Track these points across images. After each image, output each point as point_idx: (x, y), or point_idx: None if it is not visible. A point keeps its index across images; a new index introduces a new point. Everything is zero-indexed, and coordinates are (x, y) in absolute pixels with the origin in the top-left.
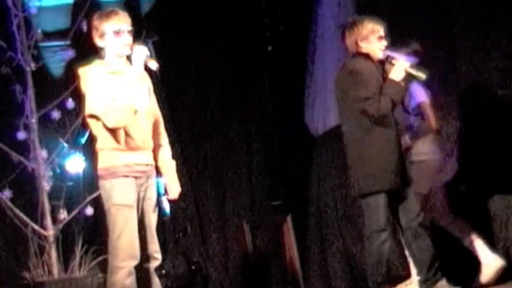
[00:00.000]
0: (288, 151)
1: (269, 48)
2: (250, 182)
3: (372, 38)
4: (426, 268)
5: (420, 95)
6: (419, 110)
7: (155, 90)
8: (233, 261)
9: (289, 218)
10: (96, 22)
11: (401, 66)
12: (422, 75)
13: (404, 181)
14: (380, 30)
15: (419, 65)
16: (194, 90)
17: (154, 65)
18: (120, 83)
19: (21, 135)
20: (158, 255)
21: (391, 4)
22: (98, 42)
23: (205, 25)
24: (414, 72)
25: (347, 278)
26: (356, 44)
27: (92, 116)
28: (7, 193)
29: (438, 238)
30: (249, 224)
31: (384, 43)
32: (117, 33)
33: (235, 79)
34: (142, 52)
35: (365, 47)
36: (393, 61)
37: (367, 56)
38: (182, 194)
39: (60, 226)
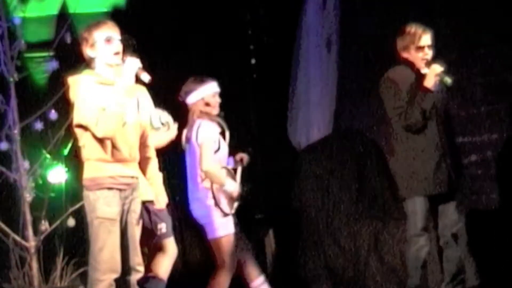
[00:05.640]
0: (270, 164)
1: (253, 61)
2: None
3: (412, 48)
4: (449, 277)
5: None
6: None
7: None
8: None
9: (271, 232)
10: (86, 34)
11: (432, 71)
12: (449, 80)
13: (448, 187)
14: (422, 40)
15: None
16: (176, 102)
17: (146, 77)
18: (109, 93)
19: (3, 145)
20: (141, 268)
21: (375, 18)
22: (89, 52)
23: (187, 37)
24: (442, 76)
25: None
26: (399, 52)
27: (80, 126)
28: None
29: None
30: None
31: (428, 52)
32: (108, 40)
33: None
34: (134, 64)
35: (407, 56)
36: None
37: (412, 64)
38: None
39: (42, 237)
